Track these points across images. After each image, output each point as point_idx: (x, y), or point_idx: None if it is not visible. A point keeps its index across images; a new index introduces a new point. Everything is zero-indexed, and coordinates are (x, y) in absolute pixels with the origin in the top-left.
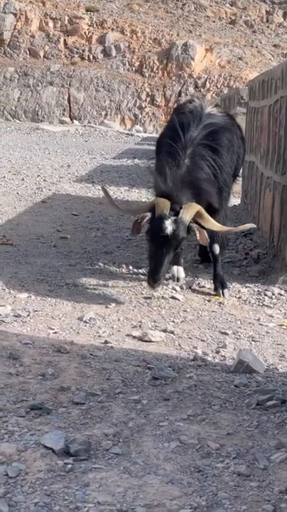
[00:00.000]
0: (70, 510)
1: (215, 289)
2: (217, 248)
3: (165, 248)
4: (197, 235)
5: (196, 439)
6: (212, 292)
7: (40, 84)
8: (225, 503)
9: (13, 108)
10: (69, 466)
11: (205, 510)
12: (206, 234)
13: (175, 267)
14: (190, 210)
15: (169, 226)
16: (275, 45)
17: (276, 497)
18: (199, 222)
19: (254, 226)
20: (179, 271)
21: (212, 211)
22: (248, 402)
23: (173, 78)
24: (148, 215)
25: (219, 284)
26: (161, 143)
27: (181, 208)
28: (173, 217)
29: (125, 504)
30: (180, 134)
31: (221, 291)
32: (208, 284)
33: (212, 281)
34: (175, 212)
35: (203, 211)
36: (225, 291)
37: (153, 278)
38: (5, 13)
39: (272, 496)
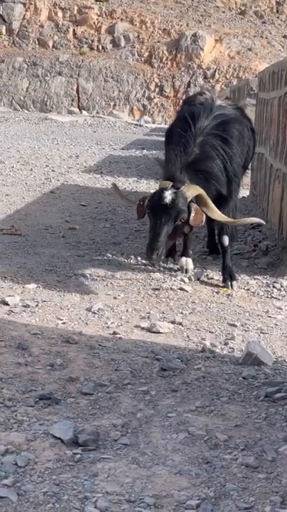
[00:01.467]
0: (79, 499)
1: (224, 281)
2: (226, 240)
3: (164, 218)
4: (192, 215)
5: (204, 430)
6: (221, 284)
7: (48, 74)
8: (233, 494)
9: (22, 98)
10: (78, 456)
11: (213, 502)
12: (203, 217)
13: (183, 259)
14: (191, 189)
15: (168, 196)
16: (285, 36)
17: (284, 489)
18: (204, 211)
19: (262, 222)
20: (187, 262)
21: (221, 202)
22: (256, 394)
23: (182, 69)
24: (149, 195)
25: (228, 276)
26: (171, 133)
27: (183, 186)
28: (174, 190)
29: (133, 494)
30: (191, 124)
31: (229, 283)
32: (217, 276)
33: (220, 273)
34: (177, 188)
35: (207, 198)
36: (234, 283)
37: (151, 248)
38: (14, 2)
39: (280, 488)
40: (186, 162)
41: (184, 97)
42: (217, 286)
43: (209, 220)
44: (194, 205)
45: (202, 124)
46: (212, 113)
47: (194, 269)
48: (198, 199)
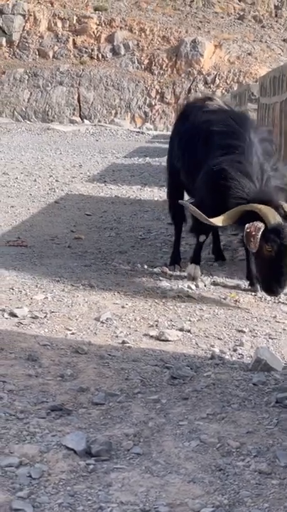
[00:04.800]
0: (94, 510)
1: (252, 285)
2: None
3: None
4: None
5: (216, 437)
6: (248, 287)
7: (49, 84)
8: (247, 501)
9: (24, 109)
10: (91, 466)
11: (227, 509)
12: None
13: (191, 265)
14: None
15: None
16: (284, 40)
17: None
18: None
19: None
20: (196, 269)
21: None
22: (267, 400)
23: (183, 75)
24: (262, 226)
25: (256, 280)
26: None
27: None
28: None
29: (148, 504)
30: (241, 132)
31: (258, 286)
32: (224, 282)
33: (226, 279)
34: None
35: None
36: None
37: (281, 287)
38: (13, 14)
39: None
40: (265, 176)
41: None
42: (225, 292)
43: (215, 227)
44: None
45: (250, 133)
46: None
47: (201, 275)
48: None
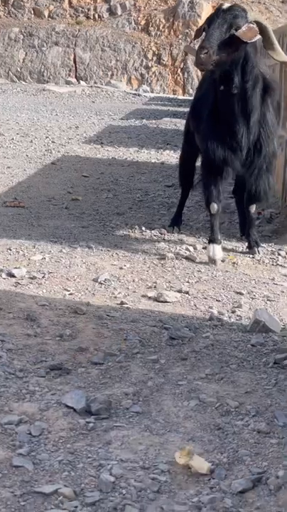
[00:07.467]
0: (94, 467)
1: (250, 247)
2: (253, 207)
3: (218, 21)
4: (244, 29)
5: (215, 397)
6: (245, 250)
7: (45, 44)
8: (246, 459)
9: (19, 69)
10: (91, 424)
11: (227, 467)
12: (255, 35)
13: (210, 246)
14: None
15: (227, 4)
16: (283, 1)
17: None
18: (269, 53)
19: None
20: (215, 250)
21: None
22: (265, 361)
23: (180, 37)
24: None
25: (254, 243)
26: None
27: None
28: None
29: (147, 461)
30: None
31: (256, 249)
32: (222, 244)
33: (224, 241)
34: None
35: (273, 38)
36: (260, 249)
37: (200, 47)
38: None
39: None
40: None
41: (182, 66)
42: (224, 253)
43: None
44: (250, 24)
45: None
46: None
47: (199, 237)
48: (263, 38)
